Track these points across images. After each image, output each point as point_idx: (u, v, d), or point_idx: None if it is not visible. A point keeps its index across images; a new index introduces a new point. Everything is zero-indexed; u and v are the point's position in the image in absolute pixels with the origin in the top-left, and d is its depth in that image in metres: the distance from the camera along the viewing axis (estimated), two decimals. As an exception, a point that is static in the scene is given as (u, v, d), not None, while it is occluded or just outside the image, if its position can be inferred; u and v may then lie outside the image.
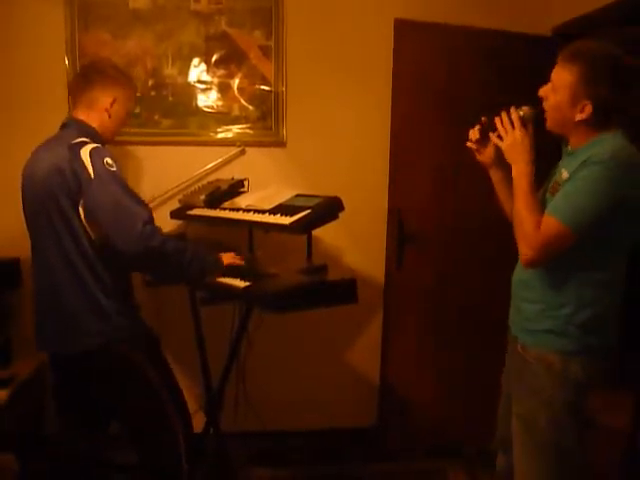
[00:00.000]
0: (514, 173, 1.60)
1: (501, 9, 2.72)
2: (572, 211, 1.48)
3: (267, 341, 2.67)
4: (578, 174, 1.48)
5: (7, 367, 2.33)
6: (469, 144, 1.80)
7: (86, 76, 1.87)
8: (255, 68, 2.65)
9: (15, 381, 2.23)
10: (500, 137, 1.65)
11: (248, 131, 2.68)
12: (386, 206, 2.73)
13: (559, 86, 1.56)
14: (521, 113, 1.63)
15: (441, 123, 2.69)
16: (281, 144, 2.70)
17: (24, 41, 2.52)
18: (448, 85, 2.67)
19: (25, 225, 1.85)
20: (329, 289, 1.94)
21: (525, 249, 1.54)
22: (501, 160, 1.71)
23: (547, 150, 1.68)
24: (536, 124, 1.63)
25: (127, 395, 1.82)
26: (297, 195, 2.21)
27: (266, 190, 2.34)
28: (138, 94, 2.53)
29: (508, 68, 2.67)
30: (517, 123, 1.61)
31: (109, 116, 1.84)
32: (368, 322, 2.87)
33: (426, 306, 2.79)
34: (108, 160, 1.68)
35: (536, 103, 1.64)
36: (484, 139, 1.76)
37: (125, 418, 1.89)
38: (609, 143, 1.52)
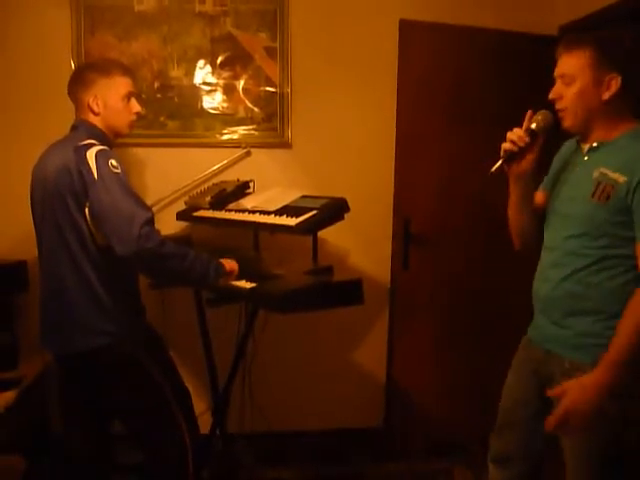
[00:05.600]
0: (613, 376, 1.38)
1: (507, 9, 2.71)
2: None
3: (273, 342, 2.68)
4: None
5: (14, 369, 2.34)
6: (511, 147, 1.55)
7: (70, 80, 1.88)
8: (260, 69, 2.65)
9: (22, 383, 2.24)
10: None
11: (253, 132, 2.68)
12: (392, 207, 2.73)
13: (575, 73, 1.47)
14: (533, 125, 1.55)
15: (447, 123, 2.68)
16: (286, 145, 2.70)
17: (31, 45, 2.53)
18: (454, 85, 2.67)
19: (32, 228, 1.86)
20: (335, 290, 1.94)
21: None
22: (533, 174, 1.60)
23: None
24: (554, 128, 1.55)
25: (131, 395, 1.83)
26: (303, 196, 2.21)
27: (272, 191, 2.34)
28: (143, 96, 2.54)
29: (514, 68, 2.66)
30: None
31: (95, 114, 1.82)
32: (374, 323, 2.86)
33: (432, 307, 2.79)
34: (113, 162, 1.68)
35: (539, 107, 1.55)
36: (527, 148, 1.55)
37: (129, 417, 1.90)
38: None
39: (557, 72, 1.52)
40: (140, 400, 1.84)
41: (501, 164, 1.56)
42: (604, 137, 1.50)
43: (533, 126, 1.55)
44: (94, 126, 1.82)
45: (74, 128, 1.85)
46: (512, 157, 1.55)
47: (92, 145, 1.70)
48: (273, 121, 2.68)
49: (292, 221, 1.98)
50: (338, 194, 2.13)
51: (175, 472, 1.89)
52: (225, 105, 2.66)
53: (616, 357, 1.38)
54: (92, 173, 1.65)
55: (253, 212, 2.17)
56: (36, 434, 2.45)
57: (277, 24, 2.62)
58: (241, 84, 2.66)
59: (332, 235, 2.65)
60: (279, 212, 2.09)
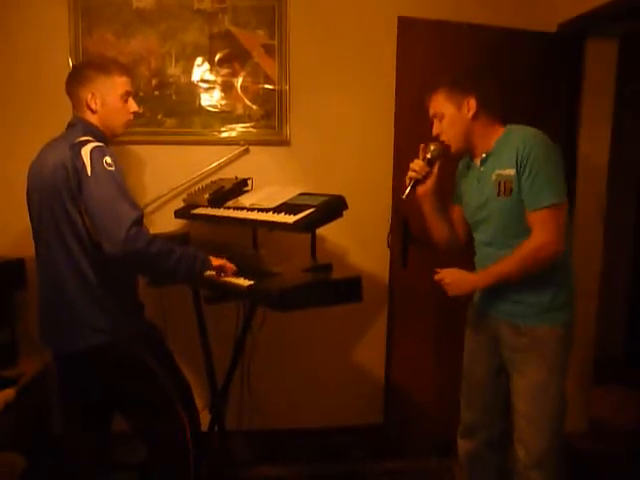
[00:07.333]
0: (487, 283, 1.80)
1: (506, 6, 2.71)
2: (549, 189, 1.66)
3: (271, 340, 2.68)
4: (526, 162, 1.66)
5: (14, 366, 2.35)
6: (415, 175, 1.89)
7: (68, 77, 1.88)
8: (259, 67, 2.65)
9: (22, 380, 2.24)
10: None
11: (252, 130, 2.68)
12: (391, 204, 2.73)
13: (441, 111, 1.82)
14: (428, 155, 1.87)
15: (445, 121, 2.67)
16: (285, 143, 2.70)
17: (28, 44, 2.52)
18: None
19: (30, 225, 1.85)
20: (334, 287, 1.94)
21: (547, 252, 1.68)
22: (437, 191, 1.91)
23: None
24: (445, 155, 1.86)
25: (132, 391, 1.83)
26: (301, 194, 2.21)
27: (270, 189, 2.34)
28: (141, 93, 2.54)
29: (513, 65, 2.66)
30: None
31: (93, 111, 1.82)
32: (373, 321, 2.87)
33: (431, 304, 2.78)
34: (107, 159, 1.68)
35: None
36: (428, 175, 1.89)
37: (130, 413, 1.90)
38: (520, 129, 1.76)
39: (430, 115, 1.86)
40: (141, 396, 1.84)
41: (410, 190, 1.90)
42: (486, 147, 1.81)
43: (429, 156, 1.88)
44: (91, 124, 1.82)
45: (71, 125, 1.85)
46: (417, 183, 1.90)
47: (88, 142, 1.70)
48: (271, 119, 2.68)
49: (290, 218, 1.98)
50: (336, 192, 2.13)
51: (177, 466, 1.89)
52: (223, 102, 2.66)
53: (494, 274, 1.76)
54: (86, 169, 1.65)
55: (251, 210, 2.17)
56: (36, 432, 2.46)
57: (275, 21, 2.62)
58: (239, 81, 2.65)
59: (330, 233, 2.65)
60: (277, 209, 2.09)
